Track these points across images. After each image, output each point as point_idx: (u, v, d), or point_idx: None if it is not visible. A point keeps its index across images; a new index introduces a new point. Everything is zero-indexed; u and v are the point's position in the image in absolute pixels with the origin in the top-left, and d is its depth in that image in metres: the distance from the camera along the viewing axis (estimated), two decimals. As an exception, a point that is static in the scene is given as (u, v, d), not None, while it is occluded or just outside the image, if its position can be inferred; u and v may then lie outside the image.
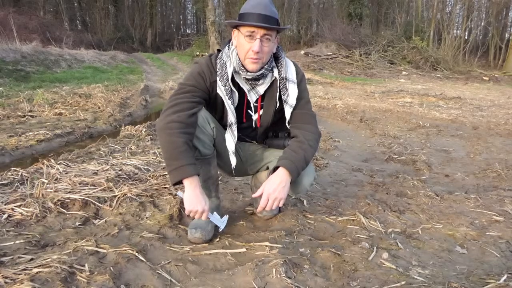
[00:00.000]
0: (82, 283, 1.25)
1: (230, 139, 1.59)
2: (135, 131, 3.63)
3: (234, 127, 1.58)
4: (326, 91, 8.36)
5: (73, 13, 24.64)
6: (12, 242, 1.51)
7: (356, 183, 2.55)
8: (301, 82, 1.65)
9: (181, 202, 1.97)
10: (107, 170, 2.38)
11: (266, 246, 1.57)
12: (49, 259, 1.34)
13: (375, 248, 1.58)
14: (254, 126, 1.71)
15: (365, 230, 1.76)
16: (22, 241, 1.53)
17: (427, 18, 18.67)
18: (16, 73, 7.51)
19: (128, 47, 21.25)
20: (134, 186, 2.13)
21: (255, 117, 1.67)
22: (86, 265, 1.34)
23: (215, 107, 1.63)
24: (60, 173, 2.28)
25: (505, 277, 1.39)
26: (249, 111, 1.66)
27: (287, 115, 1.62)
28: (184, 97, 1.51)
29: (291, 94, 1.61)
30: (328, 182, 2.54)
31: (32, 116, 4.40)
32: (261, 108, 1.66)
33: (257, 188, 1.95)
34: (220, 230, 1.62)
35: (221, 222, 1.60)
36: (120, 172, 2.34)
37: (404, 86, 10.30)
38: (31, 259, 1.37)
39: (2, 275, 1.23)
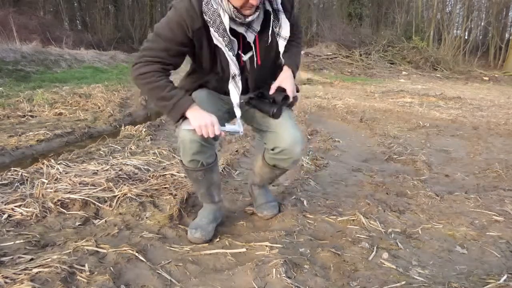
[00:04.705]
0: (82, 283, 1.25)
1: (234, 91, 1.53)
2: (135, 131, 3.63)
3: (238, 78, 1.52)
4: (326, 91, 8.36)
5: (73, 13, 24.61)
6: (12, 242, 1.52)
7: (356, 183, 2.55)
8: (292, 11, 1.58)
9: (182, 201, 1.97)
10: (107, 170, 2.38)
11: (266, 246, 1.57)
12: (49, 259, 1.34)
13: (375, 248, 1.58)
14: (250, 69, 1.59)
15: (365, 230, 1.76)
16: (22, 241, 1.53)
17: (427, 18, 18.66)
18: (16, 73, 7.50)
19: (128, 47, 21.20)
20: (134, 186, 2.13)
21: (250, 55, 1.56)
22: (86, 265, 1.34)
23: (202, 56, 1.51)
24: (60, 173, 2.28)
25: (505, 277, 1.39)
26: (242, 54, 1.55)
27: (281, 48, 1.57)
28: (151, 70, 1.42)
29: (284, 27, 1.54)
30: (328, 182, 2.54)
31: (32, 116, 4.40)
32: (258, 44, 1.55)
33: (256, 185, 1.97)
34: (241, 134, 1.55)
35: (237, 127, 1.52)
36: (120, 172, 2.34)
37: (404, 86, 10.29)
38: (31, 259, 1.37)
39: (2, 275, 1.23)
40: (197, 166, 1.58)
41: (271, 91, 1.60)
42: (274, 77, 1.64)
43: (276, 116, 1.59)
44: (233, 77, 1.52)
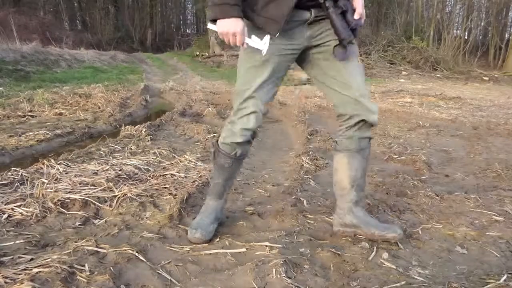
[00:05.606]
0: (82, 283, 1.25)
1: None
2: (135, 131, 3.63)
3: None
4: (326, 91, 8.36)
5: (73, 13, 24.61)
6: (12, 242, 1.52)
7: (356, 183, 2.54)
8: None
9: (182, 201, 1.97)
10: (107, 170, 2.38)
11: (266, 246, 1.57)
12: (49, 259, 1.34)
13: (375, 248, 1.58)
14: None
15: (365, 230, 1.76)
16: (22, 241, 1.53)
17: (427, 18, 18.66)
18: (16, 73, 7.50)
19: (128, 47, 21.20)
20: (134, 186, 2.14)
21: None
22: (86, 265, 1.34)
23: None
24: (60, 173, 2.28)
25: (505, 277, 1.39)
26: None
27: None
28: None
29: None
30: (328, 182, 2.54)
31: (32, 116, 4.40)
32: None
33: (355, 205, 1.71)
34: (264, 53, 1.39)
35: (262, 44, 1.37)
36: (120, 172, 2.34)
37: (404, 86, 10.29)
38: (31, 259, 1.37)
39: (2, 275, 1.23)
40: (231, 153, 1.63)
41: (356, 16, 1.37)
42: None
43: (346, 44, 1.38)
44: None
